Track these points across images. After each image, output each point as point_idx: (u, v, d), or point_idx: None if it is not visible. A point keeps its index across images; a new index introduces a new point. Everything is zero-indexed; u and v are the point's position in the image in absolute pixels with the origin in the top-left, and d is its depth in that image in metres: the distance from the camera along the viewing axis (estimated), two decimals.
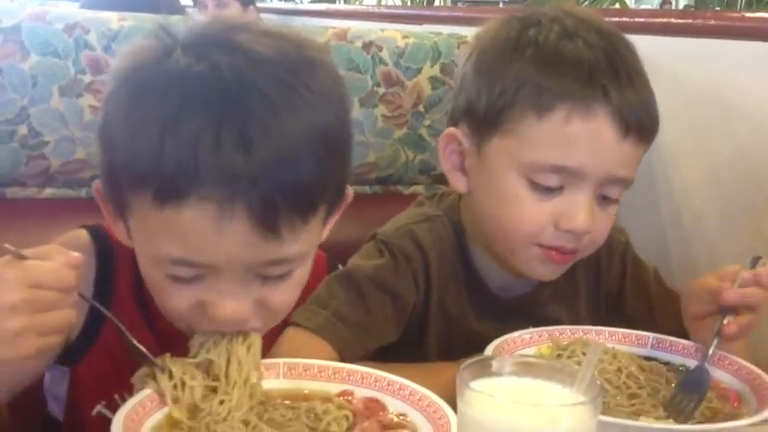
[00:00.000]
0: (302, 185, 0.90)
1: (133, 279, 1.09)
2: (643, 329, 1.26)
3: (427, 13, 1.47)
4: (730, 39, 1.73)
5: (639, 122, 1.16)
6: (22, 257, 0.85)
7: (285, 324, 1.13)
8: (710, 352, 1.09)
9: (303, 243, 0.94)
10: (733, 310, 1.11)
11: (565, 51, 1.16)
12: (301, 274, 0.99)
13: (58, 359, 1.10)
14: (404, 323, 1.24)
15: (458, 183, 1.26)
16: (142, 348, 0.93)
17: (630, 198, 1.89)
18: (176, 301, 0.95)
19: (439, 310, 1.26)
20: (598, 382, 0.73)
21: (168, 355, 0.93)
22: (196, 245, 0.89)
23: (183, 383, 0.90)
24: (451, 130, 1.25)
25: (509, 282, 1.28)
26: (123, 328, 0.94)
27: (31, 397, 1.13)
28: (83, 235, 1.12)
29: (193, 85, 0.88)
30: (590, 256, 1.29)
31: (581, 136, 1.13)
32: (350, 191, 1.06)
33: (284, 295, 0.98)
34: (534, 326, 1.19)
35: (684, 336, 1.25)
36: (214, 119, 0.86)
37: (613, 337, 1.16)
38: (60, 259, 0.87)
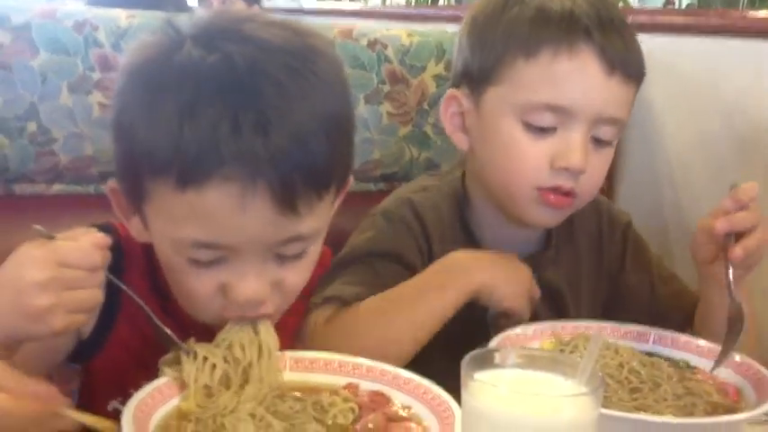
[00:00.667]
0: (317, 166, 0.95)
1: (145, 273, 1.12)
2: (643, 307, 1.35)
3: (431, 12, 1.48)
4: (733, 37, 1.74)
5: (624, 61, 1.22)
6: (51, 238, 0.89)
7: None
8: (731, 279, 1.14)
9: (317, 219, 0.99)
10: (733, 238, 1.15)
11: (550, 4, 1.23)
12: (314, 252, 1.03)
13: (71, 357, 1.11)
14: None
15: (460, 142, 1.33)
16: (168, 331, 0.96)
17: (635, 193, 1.92)
18: (197, 286, 0.98)
19: None
20: (600, 374, 0.74)
21: (193, 339, 0.96)
22: (219, 225, 0.93)
23: (206, 359, 0.93)
24: (452, 91, 1.32)
25: (508, 246, 1.32)
26: (149, 310, 0.98)
27: None
28: (92, 231, 1.14)
29: (207, 74, 0.92)
30: (592, 228, 1.39)
31: (568, 73, 1.20)
32: (350, 179, 1.10)
33: (298, 276, 1.02)
34: None
35: (686, 320, 1.32)
36: (231, 105, 0.90)
37: (615, 333, 1.18)
38: (87, 239, 0.91)
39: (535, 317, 1.29)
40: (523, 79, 1.22)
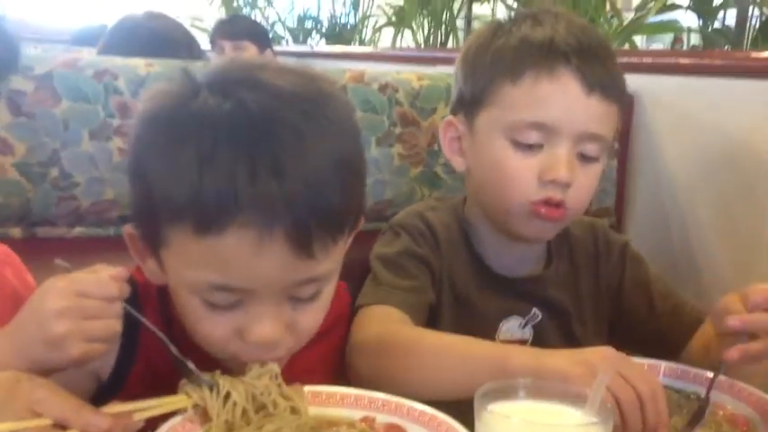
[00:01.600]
0: (331, 209, 0.97)
1: (159, 312, 1.14)
2: (642, 325, 1.41)
3: (440, 54, 1.52)
4: (737, 78, 1.78)
5: (602, 82, 1.31)
6: (70, 272, 0.94)
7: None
8: (716, 379, 1.12)
9: (331, 262, 1.01)
10: (747, 334, 1.12)
11: (534, 33, 1.33)
12: (327, 294, 1.05)
13: (92, 400, 1.13)
14: (436, 287, 1.36)
15: (458, 164, 1.43)
16: (189, 364, 0.98)
17: (643, 231, 1.94)
18: (213, 330, 1.01)
19: (449, 286, 1.38)
20: (609, 404, 0.77)
21: (218, 371, 0.99)
22: (236, 270, 0.95)
23: (228, 395, 0.95)
24: (449, 118, 1.43)
25: (511, 263, 1.41)
26: (168, 342, 1.00)
27: None
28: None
29: (223, 121, 0.95)
30: (589, 248, 1.46)
31: (549, 94, 1.30)
32: (362, 217, 1.12)
33: (312, 318, 1.04)
34: (537, 307, 1.37)
35: (685, 335, 1.36)
36: (247, 151, 0.93)
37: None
38: (106, 272, 0.96)
39: (542, 333, 1.37)
40: (510, 102, 1.32)
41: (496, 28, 1.38)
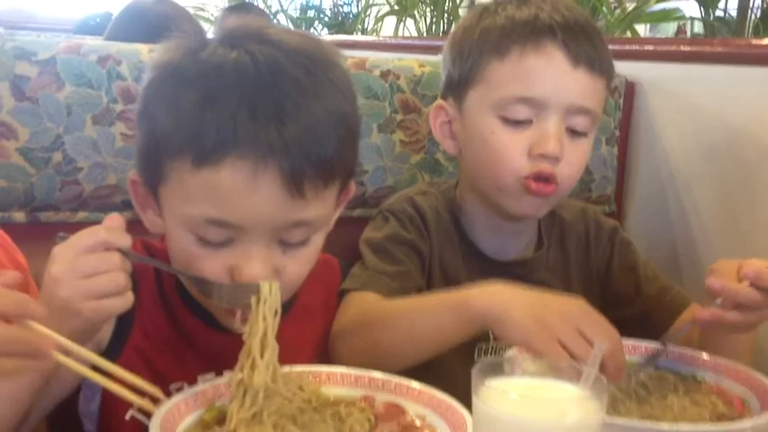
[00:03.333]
0: (325, 156, 1.02)
1: (155, 288, 1.17)
2: (628, 307, 1.43)
3: (442, 43, 1.53)
4: (738, 65, 1.78)
5: (588, 55, 1.33)
6: None
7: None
8: (680, 332, 1.19)
9: (322, 207, 1.06)
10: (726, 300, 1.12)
11: (519, 13, 1.36)
12: (316, 244, 1.09)
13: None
14: (425, 272, 1.38)
15: (450, 148, 1.45)
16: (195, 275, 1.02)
17: (643, 218, 1.95)
18: (206, 269, 1.04)
19: (439, 270, 1.40)
20: (603, 379, 0.78)
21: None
22: (231, 203, 1.00)
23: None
24: (438, 101, 1.45)
25: (502, 246, 1.43)
26: (177, 270, 1.06)
27: (67, 419, 1.18)
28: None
29: (229, 67, 1.01)
30: (580, 232, 1.48)
31: (535, 67, 1.32)
32: (353, 184, 1.18)
33: (299, 266, 1.08)
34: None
35: (669, 317, 1.39)
36: (250, 95, 0.99)
37: (624, 349, 1.20)
38: (100, 225, 0.96)
39: None
40: (497, 78, 1.34)
41: (482, 11, 1.40)
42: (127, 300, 0.94)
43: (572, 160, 1.34)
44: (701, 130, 1.85)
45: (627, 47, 2.07)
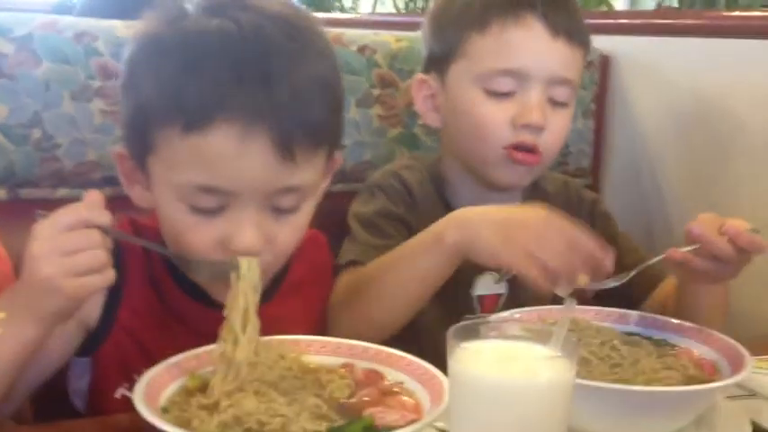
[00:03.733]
0: (313, 119, 1.04)
1: (144, 266, 1.17)
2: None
3: (419, 19, 1.54)
4: (710, 37, 1.81)
5: (567, 27, 1.36)
6: None
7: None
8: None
9: (312, 172, 1.07)
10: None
11: None
12: (306, 211, 1.10)
13: (80, 350, 1.15)
14: None
15: (434, 121, 1.48)
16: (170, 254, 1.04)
17: (619, 190, 1.98)
18: (197, 239, 1.04)
19: None
20: (574, 339, 0.80)
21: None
22: (220, 169, 1.00)
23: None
24: (420, 75, 1.48)
25: None
26: (162, 248, 1.07)
27: (55, 394, 1.19)
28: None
29: (213, 34, 1.01)
30: (562, 205, 1.41)
31: (516, 39, 1.36)
32: (340, 155, 1.20)
33: (290, 234, 1.09)
34: None
35: (647, 289, 1.43)
36: (235, 60, 0.99)
37: (598, 316, 1.23)
38: (81, 203, 0.96)
39: (516, 287, 1.40)
40: (479, 51, 1.37)
41: None
42: (107, 276, 0.95)
43: (554, 130, 1.37)
44: (675, 102, 1.88)
45: (602, 21, 2.09)
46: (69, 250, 0.92)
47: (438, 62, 1.44)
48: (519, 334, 0.83)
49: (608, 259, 1.07)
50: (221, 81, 0.98)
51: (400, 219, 1.39)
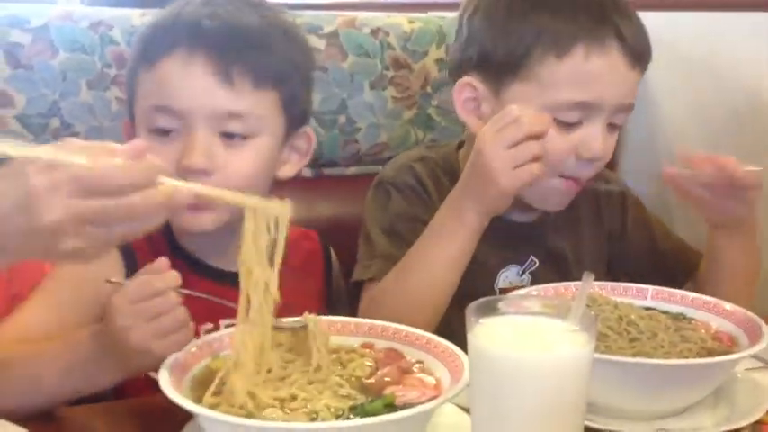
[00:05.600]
0: (253, 50, 1.18)
1: (148, 244, 1.22)
2: (646, 263, 1.46)
3: (431, 0, 1.54)
4: (725, 11, 1.80)
5: (643, 52, 1.29)
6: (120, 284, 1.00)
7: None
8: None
9: (255, 106, 1.19)
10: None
11: None
12: (255, 148, 1.20)
13: None
14: None
15: (473, 126, 1.33)
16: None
17: (636, 169, 1.97)
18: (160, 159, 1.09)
19: None
20: (592, 313, 0.81)
21: None
22: (170, 88, 1.16)
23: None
24: (466, 78, 1.33)
25: (507, 213, 1.33)
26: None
27: None
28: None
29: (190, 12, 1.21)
30: (589, 194, 1.42)
31: (599, 71, 1.25)
32: (311, 132, 1.31)
33: (240, 164, 1.18)
34: (534, 254, 1.37)
35: (687, 274, 1.43)
36: (192, 11, 1.19)
37: (615, 291, 1.23)
38: (152, 275, 0.98)
39: (538, 278, 1.37)
40: (554, 78, 1.25)
41: None
42: (189, 331, 0.98)
43: (606, 155, 1.32)
44: (692, 77, 1.87)
45: None
46: (153, 315, 0.95)
47: (494, 68, 1.30)
48: (537, 309, 0.83)
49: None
50: (176, 20, 1.19)
51: (419, 220, 1.32)
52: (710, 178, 1.22)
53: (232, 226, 1.11)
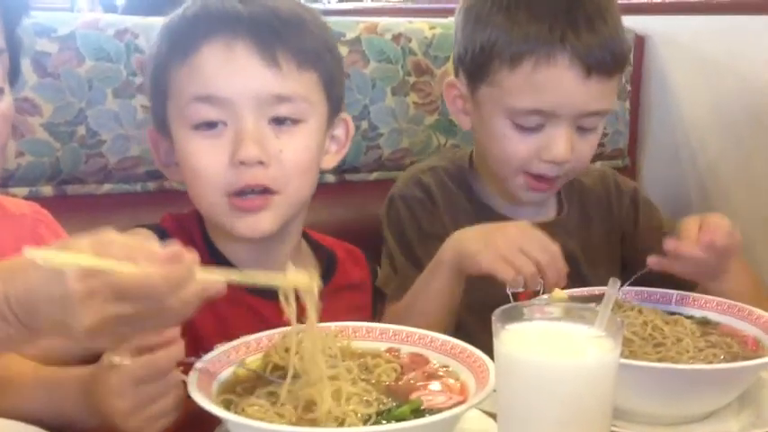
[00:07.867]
0: (292, 33, 1.16)
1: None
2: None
3: (452, 6, 1.55)
4: (748, 14, 1.80)
5: (600, 62, 1.31)
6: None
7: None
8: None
9: (301, 87, 1.16)
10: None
11: (531, 3, 1.33)
12: (308, 134, 1.18)
13: None
14: None
15: (463, 123, 1.47)
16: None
17: (657, 171, 1.97)
18: (207, 161, 1.14)
19: None
20: (618, 319, 0.81)
21: None
22: (213, 76, 1.13)
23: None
24: (451, 80, 1.45)
25: (520, 213, 1.43)
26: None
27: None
28: (142, 230, 1.19)
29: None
30: (600, 196, 1.50)
31: (547, 82, 1.31)
32: (348, 119, 1.30)
33: (295, 151, 1.16)
34: None
35: None
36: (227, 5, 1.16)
37: (639, 296, 1.24)
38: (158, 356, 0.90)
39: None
40: (509, 86, 1.34)
41: None
42: (179, 411, 0.94)
43: (580, 156, 1.37)
44: (712, 79, 1.87)
45: (636, 1, 2.09)
46: (152, 400, 0.91)
47: (467, 73, 1.41)
48: (563, 315, 0.84)
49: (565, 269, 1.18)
50: (207, 6, 1.16)
51: (431, 234, 1.39)
52: (695, 263, 1.25)
53: (276, 240, 1.16)
